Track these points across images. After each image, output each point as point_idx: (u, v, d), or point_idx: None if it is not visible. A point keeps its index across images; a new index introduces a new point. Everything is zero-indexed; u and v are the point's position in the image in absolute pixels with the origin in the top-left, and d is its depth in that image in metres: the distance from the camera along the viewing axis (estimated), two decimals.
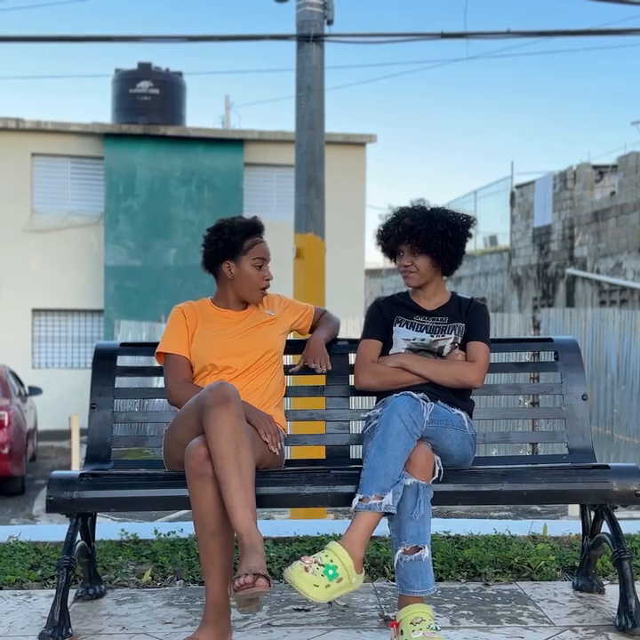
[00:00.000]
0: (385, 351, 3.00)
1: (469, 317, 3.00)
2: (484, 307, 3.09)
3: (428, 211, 3.01)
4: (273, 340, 3.01)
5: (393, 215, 3.06)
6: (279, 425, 2.93)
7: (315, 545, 3.60)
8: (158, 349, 2.99)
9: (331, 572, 2.42)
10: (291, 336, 3.20)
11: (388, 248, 3.07)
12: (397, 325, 3.01)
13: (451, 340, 2.94)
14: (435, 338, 2.95)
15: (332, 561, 2.44)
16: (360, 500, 2.51)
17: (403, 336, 2.97)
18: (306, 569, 2.41)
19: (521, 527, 3.97)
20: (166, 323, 3.05)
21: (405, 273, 3.01)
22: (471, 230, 3.04)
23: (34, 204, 17.43)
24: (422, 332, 2.97)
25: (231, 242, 2.98)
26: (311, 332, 3.20)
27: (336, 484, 2.69)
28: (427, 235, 2.93)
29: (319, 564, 2.43)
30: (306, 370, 3.10)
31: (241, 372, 2.92)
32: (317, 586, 2.40)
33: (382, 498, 2.49)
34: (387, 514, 2.52)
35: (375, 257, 28.43)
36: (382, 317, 3.04)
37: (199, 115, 77.27)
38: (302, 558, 2.46)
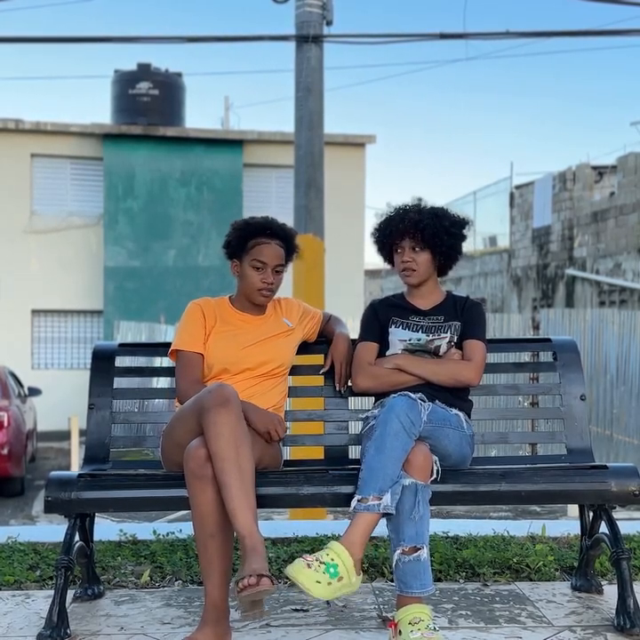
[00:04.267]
0: (382, 353, 3.00)
1: (465, 316, 2.99)
2: (480, 304, 3.08)
3: (431, 208, 3.01)
4: (287, 354, 3.01)
5: (395, 211, 3.03)
6: None
7: (314, 545, 3.60)
8: (174, 347, 2.95)
9: (332, 570, 2.42)
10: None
11: (387, 244, 3.03)
12: (393, 326, 3.00)
13: (447, 340, 2.94)
14: (431, 337, 2.94)
15: (333, 560, 2.44)
16: (359, 500, 2.51)
17: (399, 337, 2.97)
18: (308, 565, 2.42)
19: (520, 527, 3.97)
20: (182, 318, 2.99)
21: (406, 270, 2.98)
22: (467, 231, 3.04)
23: (33, 205, 17.42)
24: (418, 332, 2.96)
25: (235, 240, 3.00)
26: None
27: (334, 484, 2.69)
28: (433, 230, 2.93)
29: (320, 562, 2.43)
30: (332, 368, 3.11)
31: (249, 377, 2.92)
32: (320, 582, 2.40)
33: (381, 498, 2.49)
34: (385, 514, 2.52)
35: (374, 257, 28.42)
36: (377, 320, 3.04)
37: (198, 116, 77.24)
38: (304, 556, 2.46)
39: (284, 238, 3.00)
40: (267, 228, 2.98)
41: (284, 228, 3.04)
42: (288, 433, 3.08)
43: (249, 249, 2.96)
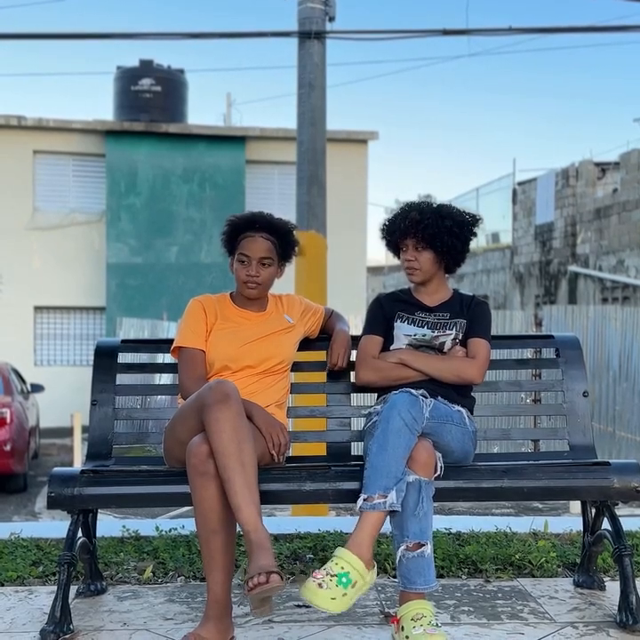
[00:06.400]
0: (386, 347, 3.00)
1: (471, 314, 2.99)
2: (486, 304, 3.09)
3: (435, 206, 3.01)
4: (288, 351, 3.01)
5: (400, 209, 3.06)
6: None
7: (316, 542, 3.61)
8: (176, 344, 2.95)
9: (344, 579, 2.42)
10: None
11: (393, 242, 3.05)
12: (399, 321, 3.00)
13: (452, 337, 2.94)
14: (436, 334, 2.95)
15: (343, 568, 2.44)
16: (364, 499, 2.51)
17: (404, 331, 2.97)
18: (320, 585, 2.41)
19: (522, 524, 3.96)
20: (183, 315, 2.99)
21: (409, 268, 3.00)
22: (476, 230, 3.03)
23: (36, 202, 17.44)
24: (423, 327, 2.97)
25: (226, 237, 3.02)
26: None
27: (337, 480, 2.69)
28: (433, 229, 2.93)
29: (331, 575, 2.42)
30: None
31: (250, 375, 2.92)
32: (335, 599, 2.40)
33: (386, 496, 2.49)
34: (391, 512, 2.52)
35: (377, 254, 28.41)
36: (383, 313, 3.04)
37: (201, 112, 77.16)
38: (314, 574, 2.45)
39: (273, 231, 2.98)
40: (254, 223, 2.98)
41: (272, 221, 3.00)
42: (290, 429, 3.08)
43: (237, 244, 2.98)
